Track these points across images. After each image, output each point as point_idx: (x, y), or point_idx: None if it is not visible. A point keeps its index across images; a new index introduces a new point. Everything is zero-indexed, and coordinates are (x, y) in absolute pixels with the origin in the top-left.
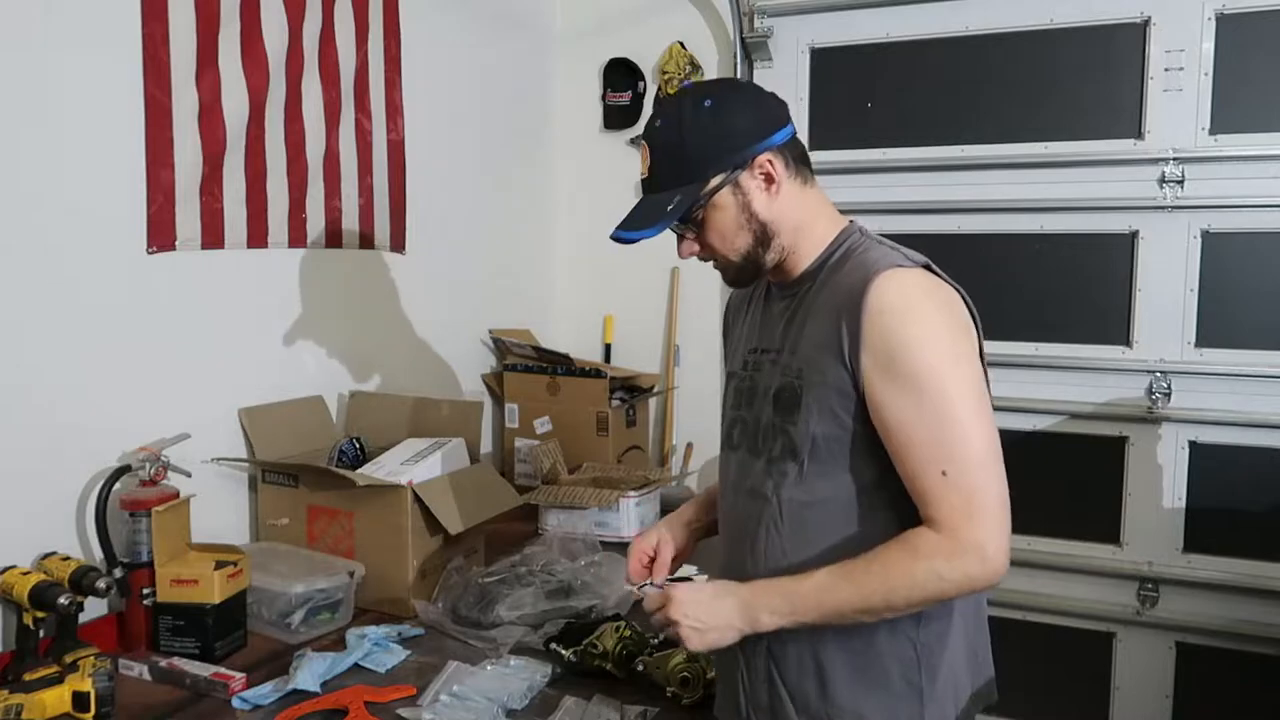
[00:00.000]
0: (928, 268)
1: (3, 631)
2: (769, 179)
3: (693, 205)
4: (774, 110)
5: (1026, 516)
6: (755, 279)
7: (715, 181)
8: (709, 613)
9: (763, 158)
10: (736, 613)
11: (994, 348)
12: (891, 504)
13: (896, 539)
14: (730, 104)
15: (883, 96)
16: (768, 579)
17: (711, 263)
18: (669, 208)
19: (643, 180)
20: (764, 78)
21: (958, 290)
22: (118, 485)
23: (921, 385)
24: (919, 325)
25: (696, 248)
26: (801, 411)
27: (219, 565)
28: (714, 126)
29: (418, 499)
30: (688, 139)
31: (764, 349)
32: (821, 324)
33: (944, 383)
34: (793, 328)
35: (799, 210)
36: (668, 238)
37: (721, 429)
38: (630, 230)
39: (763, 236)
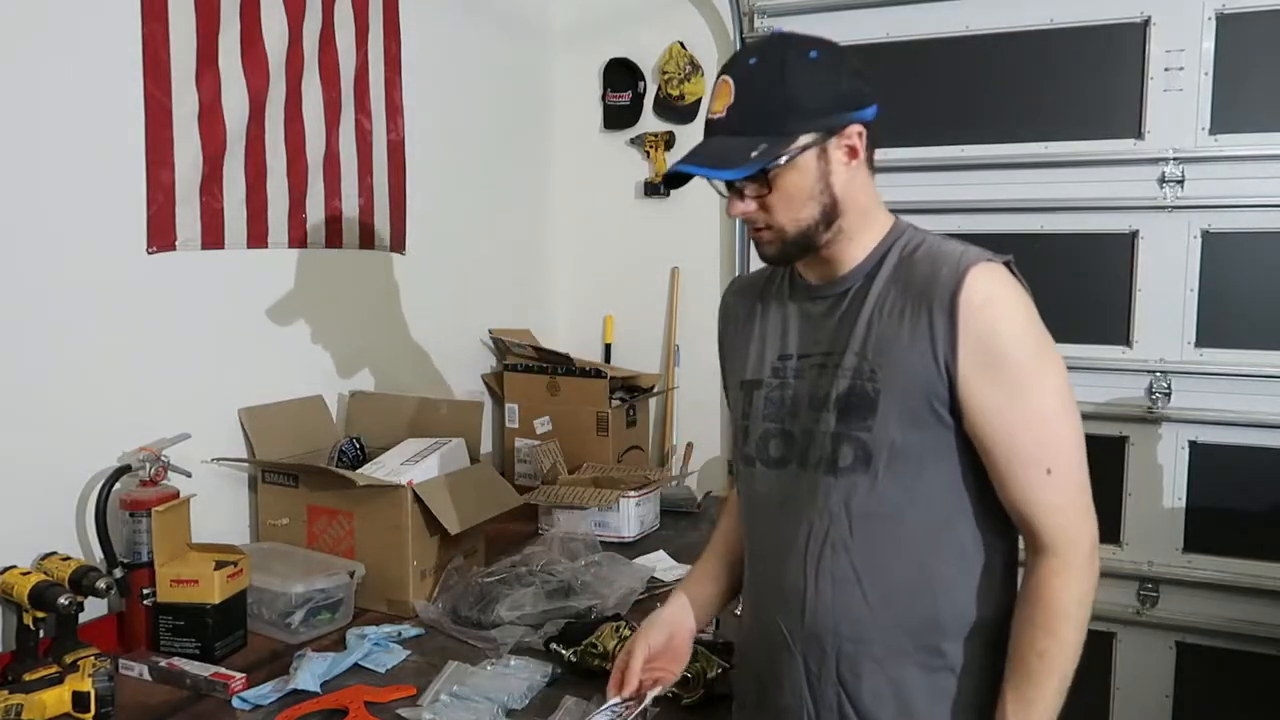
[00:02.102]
0: (1009, 265)
1: (3, 631)
2: (852, 153)
3: (777, 158)
4: (869, 84)
5: None
6: (799, 258)
7: (805, 140)
8: None
9: (854, 129)
10: None
11: None
12: (974, 513)
13: (1033, 603)
14: (837, 63)
15: (882, 96)
16: None
17: (758, 231)
18: (753, 153)
19: (714, 119)
20: None
21: (1028, 289)
22: (118, 485)
23: (1024, 382)
24: (1017, 321)
25: (752, 207)
26: (879, 415)
27: (219, 565)
28: (818, 81)
29: (418, 499)
30: (785, 84)
31: (804, 354)
32: (901, 321)
33: (1045, 379)
34: (855, 326)
35: (866, 195)
36: (666, 237)
37: (743, 444)
38: (708, 168)
39: (830, 212)
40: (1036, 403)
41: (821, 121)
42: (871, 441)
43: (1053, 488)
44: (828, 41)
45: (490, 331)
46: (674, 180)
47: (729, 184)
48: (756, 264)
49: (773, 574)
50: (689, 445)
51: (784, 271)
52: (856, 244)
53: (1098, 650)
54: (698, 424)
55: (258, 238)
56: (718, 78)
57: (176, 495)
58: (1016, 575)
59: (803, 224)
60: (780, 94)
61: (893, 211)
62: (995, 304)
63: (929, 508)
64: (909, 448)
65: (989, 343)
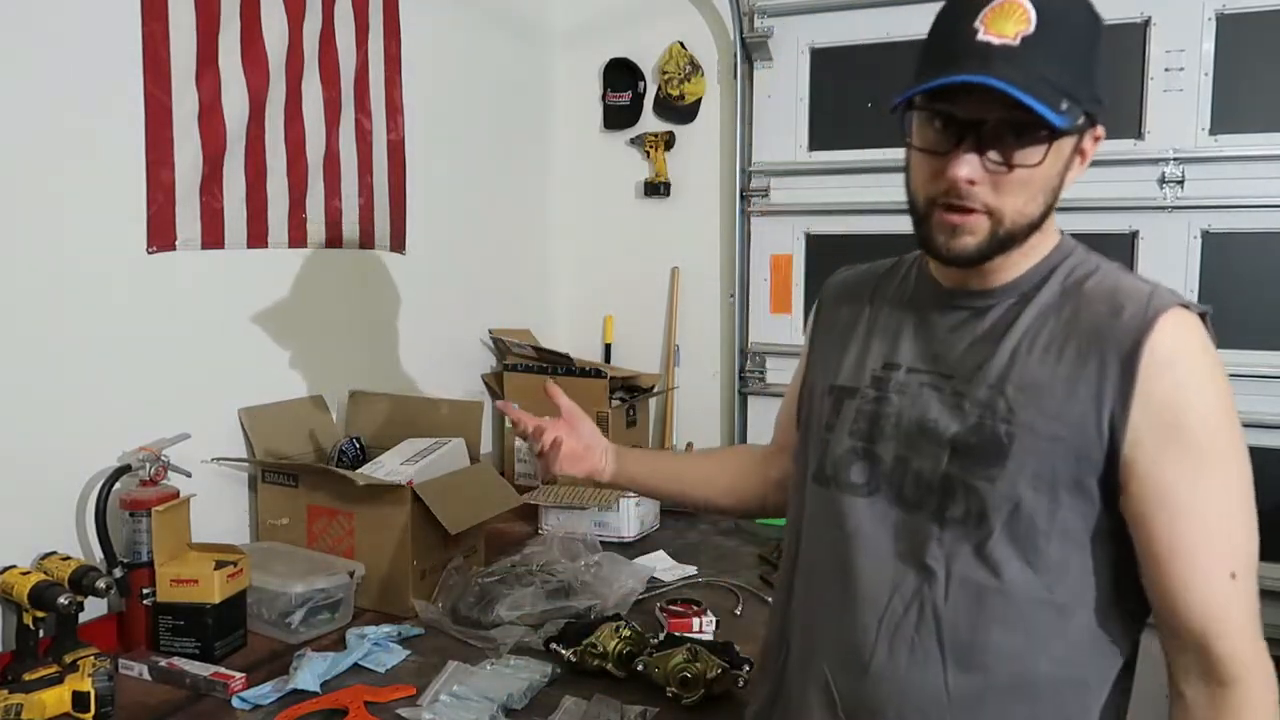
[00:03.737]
0: (1205, 316)
1: (3, 631)
2: (1084, 158)
3: (1070, 129)
4: None
5: None
6: (986, 260)
7: (1081, 120)
8: None
9: (1102, 129)
10: None
11: None
12: (1105, 610)
13: None
14: (1103, 41)
15: (883, 96)
16: None
17: (964, 214)
18: (1063, 105)
19: (993, 44)
20: (764, 78)
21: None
22: (118, 485)
23: (1212, 462)
24: (1212, 387)
25: (985, 178)
26: (1009, 466)
27: (219, 565)
28: (1098, 54)
29: (418, 499)
30: (1095, 47)
31: (913, 368)
32: (1059, 361)
33: (1233, 463)
34: (990, 354)
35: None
36: (666, 237)
37: (824, 458)
38: (1028, 94)
39: (1046, 214)
40: (1223, 491)
41: (1096, 105)
42: (993, 496)
43: (1234, 597)
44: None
45: (490, 331)
46: (963, 92)
47: (964, 129)
48: (758, 265)
49: (834, 621)
50: (689, 445)
51: (910, 267)
52: (1025, 256)
53: None
54: (698, 424)
55: (258, 238)
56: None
57: (176, 495)
58: (1130, 691)
59: (1025, 218)
60: (1088, 41)
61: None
62: (1188, 363)
63: (1049, 591)
64: (1038, 514)
65: (1174, 411)
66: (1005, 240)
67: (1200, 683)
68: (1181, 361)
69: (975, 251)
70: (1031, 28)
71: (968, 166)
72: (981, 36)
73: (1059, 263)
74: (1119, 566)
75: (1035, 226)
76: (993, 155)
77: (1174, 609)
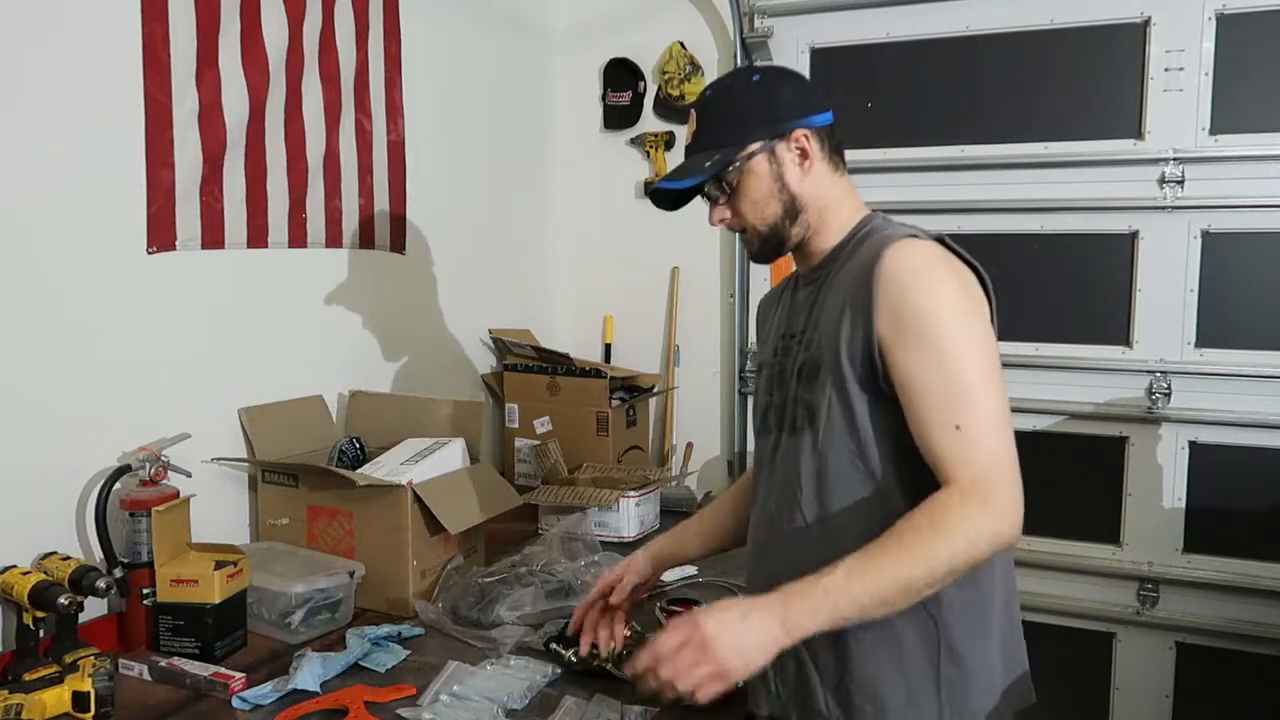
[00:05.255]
0: (941, 240)
1: (3, 631)
2: (804, 154)
3: (729, 164)
4: (817, 95)
5: (1026, 516)
6: (778, 254)
7: (753, 147)
8: (741, 635)
9: (799, 132)
10: (775, 624)
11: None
12: (904, 474)
13: (919, 507)
14: (776, 80)
15: (883, 96)
16: (792, 582)
17: (740, 235)
18: (706, 164)
19: (686, 147)
20: None
21: (973, 264)
22: (118, 485)
23: (933, 344)
24: (929, 288)
25: (728, 214)
26: (820, 380)
27: (219, 565)
28: (758, 96)
29: (418, 499)
30: (732, 104)
31: (791, 334)
32: (839, 296)
33: (954, 343)
34: (816, 307)
35: (828, 191)
36: (666, 237)
37: (754, 416)
38: (672, 181)
39: (791, 209)
40: (946, 364)
41: (766, 129)
42: (814, 403)
43: (964, 443)
44: (777, 66)
45: (490, 331)
46: (660, 199)
47: (705, 196)
48: (757, 265)
49: (754, 530)
50: (689, 445)
51: (796, 270)
52: (826, 236)
53: (1097, 650)
54: (698, 424)
55: (258, 238)
56: (689, 113)
57: (176, 495)
58: None
59: (770, 221)
60: (728, 110)
61: (884, 209)
62: (908, 274)
63: (861, 465)
64: (844, 410)
65: (900, 309)
66: (772, 237)
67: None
68: (901, 275)
69: (759, 253)
70: (695, 125)
71: (713, 215)
72: (686, 144)
73: (858, 232)
74: (908, 438)
75: (790, 218)
76: (720, 200)
77: (925, 452)
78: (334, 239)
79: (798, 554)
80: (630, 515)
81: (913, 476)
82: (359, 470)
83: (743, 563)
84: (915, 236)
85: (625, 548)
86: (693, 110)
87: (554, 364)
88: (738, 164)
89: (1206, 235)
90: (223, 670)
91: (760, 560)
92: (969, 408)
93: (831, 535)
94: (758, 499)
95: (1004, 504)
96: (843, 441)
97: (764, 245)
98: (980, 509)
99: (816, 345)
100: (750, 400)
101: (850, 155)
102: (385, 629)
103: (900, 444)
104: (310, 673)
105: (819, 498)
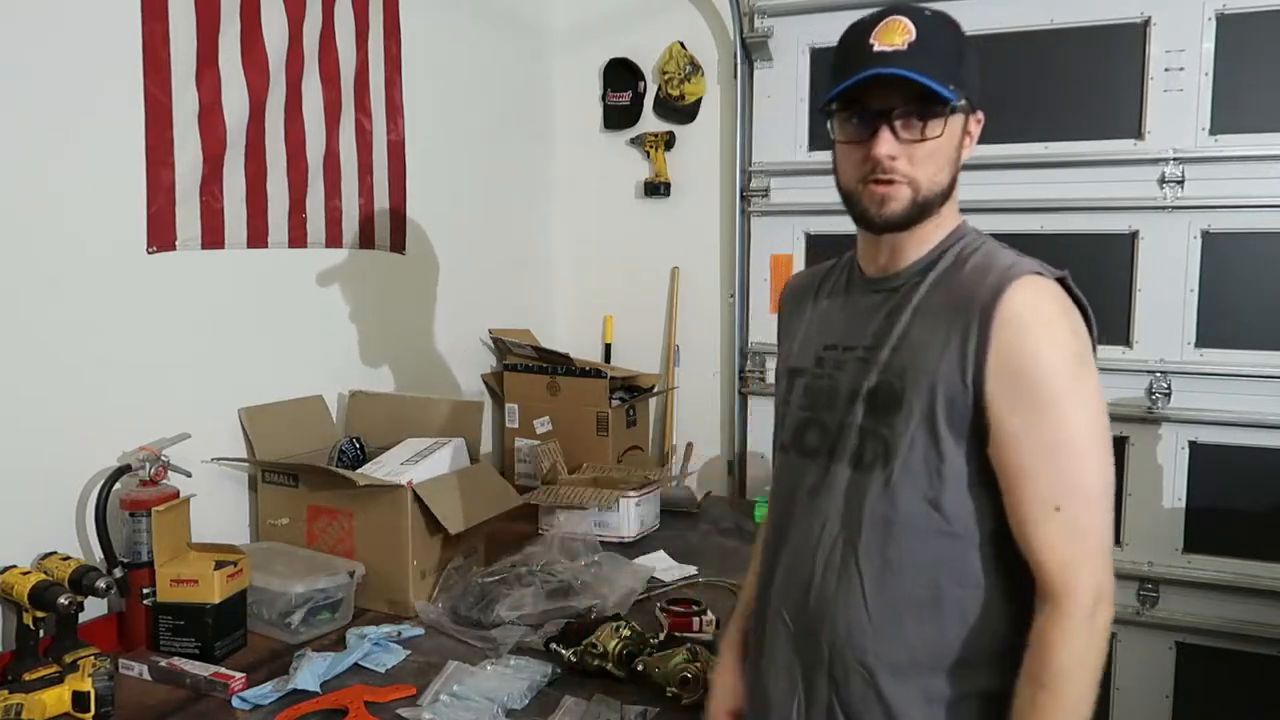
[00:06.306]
0: (1063, 281)
1: (3, 631)
2: (971, 139)
3: (959, 102)
4: None
5: None
6: (913, 224)
7: (963, 101)
8: None
9: (981, 115)
10: None
11: None
12: (983, 530)
13: (1030, 645)
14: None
15: None
16: None
17: (888, 184)
18: (949, 85)
19: (888, 50)
20: (764, 78)
21: (1085, 308)
22: (118, 485)
23: (1045, 406)
24: (1052, 343)
25: (900, 150)
26: (901, 413)
27: (219, 565)
28: (973, 53)
29: (418, 499)
30: (963, 44)
31: (848, 346)
32: (938, 324)
33: (1068, 409)
34: (893, 324)
35: (956, 191)
36: (666, 237)
37: (781, 431)
38: (926, 76)
39: (950, 188)
40: (1056, 433)
41: (975, 92)
42: (893, 440)
43: (1057, 528)
44: None
45: (490, 331)
46: (845, 95)
47: (890, 120)
48: (758, 264)
49: (790, 562)
50: (689, 445)
51: (845, 264)
52: (922, 242)
53: None
54: (698, 424)
55: (258, 238)
56: (880, 17)
57: (176, 495)
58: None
59: (937, 186)
60: (958, 46)
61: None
62: (1031, 320)
63: (946, 523)
64: (929, 455)
65: (1016, 359)
66: (924, 205)
67: (1037, 600)
68: (1023, 320)
69: (902, 215)
70: (913, 37)
71: (887, 144)
72: (877, 48)
73: (952, 244)
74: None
75: (946, 195)
76: (905, 134)
77: (1017, 537)
78: (334, 239)
79: (850, 613)
80: (630, 515)
81: (992, 535)
82: (359, 470)
83: (746, 563)
84: (1040, 274)
85: (625, 548)
86: (901, 19)
87: (554, 364)
88: (965, 104)
89: (1206, 235)
90: (223, 670)
91: (799, 607)
92: (1072, 484)
93: (891, 590)
94: (791, 528)
95: (1098, 608)
96: (919, 488)
97: (912, 208)
98: (1080, 625)
99: (899, 373)
100: (750, 400)
101: None
102: (385, 629)
103: (984, 498)
104: (310, 673)
105: (882, 548)
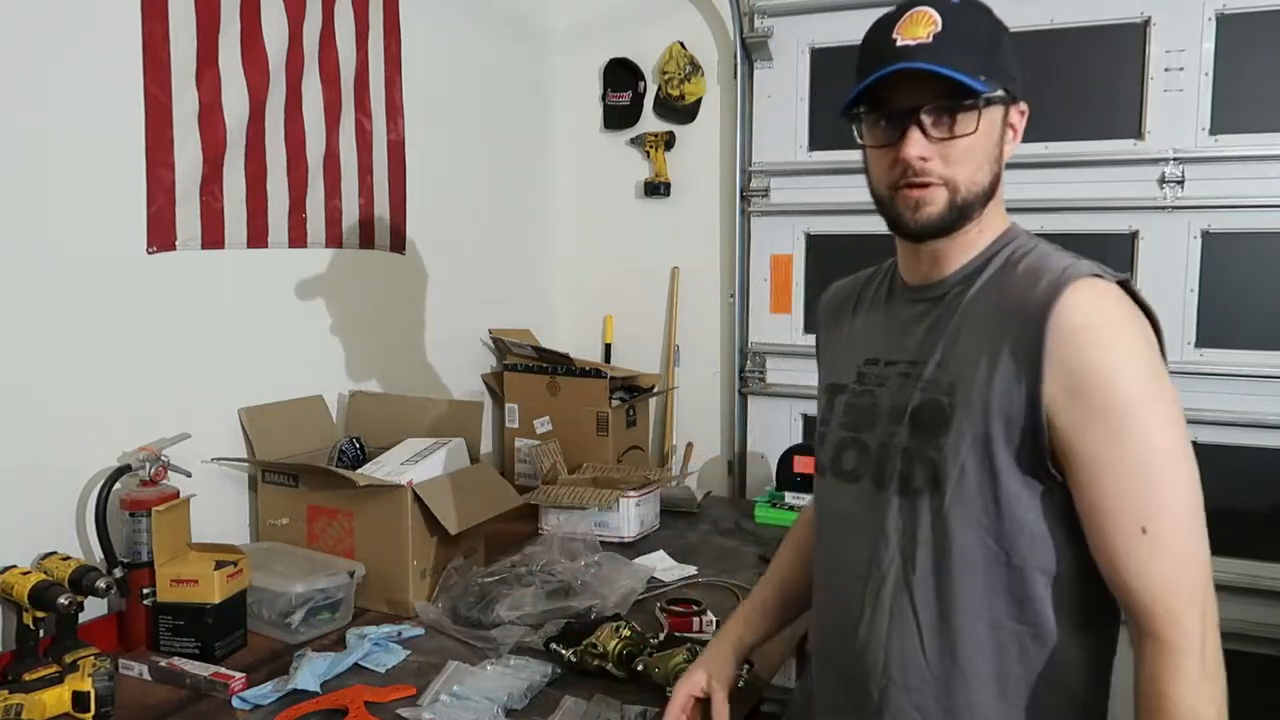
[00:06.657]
0: (1125, 284)
1: (3, 631)
2: (1015, 132)
3: (993, 94)
4: None
5: None
6: (952, 230)
7: (999, 92)
8: None
9: (1025, 105)
10: None
11: None
12: (1046, 563)
13: (1142, 694)
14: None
15: None
16: None
17: (923, 188)
18: (980, 77)
19: (912, 45)
20: (764, 78)
21: (1151, 313)
22: (118, 485)
23: (1120, 421)
24: (1119, 350)
25: (932, 150)
26: (950, 435)
27: (219, 565)
28: (1009, 41)
29: (418, 499)
30: (996, 29)
31: (890, 360)
32: (986, 336)
33: (1145, 422)
34: (940, 337)
35: (1001, 190)
36: (666, 237)
37: (822, 451)
38: (945, 65)
39: (992, 187)
40: (1136, 449)
41: (1013, 81)
42: (942, 463)
43: (1149, 553)
44: None
45: (490, 331)
46: (870, 95)
47: (905, 117)
48: (758, 264)
49: (835, 597)
50: (689, 445)
51: (886, 272)
52: (970, 242)
53: None
54: (698, 424)
55: (258, 238)
56: (905, 9)
57: (176, 495)
58: (1112, 660)
59: (976, 187)
60: (991, 34)
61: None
62: (1094, 326)
63: (1006, 553)
64: (984, 478)
65: (1080, 370)
66: (964, 208)
67: (1136, 640)
68: (1085, 327)
69: (939, 220)
70: (939, 28)
71: (917, 145)
72: (900, 41)
73: (1001, 248)
74: (1079, 532)
75: (988, 196)
76: (935, 132)
77: (1101, 566)
78: (334, 239)
79: (905, 657)
80: (630, 515)
81: (1058, 567)
82: (359, 470)
83: (746, 563)
84: (1099, 276)
85: (625, 548)
86: (927, 9)
87: (554, 364)
88: (1002, 95)
89: (1206, 235)
90: (223, 670)
91: (845, 637)
92: (1160, 503)
93: (949, 628)
94: (838, 560)
95: (1209, 639)
96: (974, 516)
97: (951, 212)
98: (1196, 661)
99: (946, 389)
100: (750, 400)
101: (850, 155)
102: (385, 629)
103: (1049, 528)
104: (310, 673)
105: (937, 583)
